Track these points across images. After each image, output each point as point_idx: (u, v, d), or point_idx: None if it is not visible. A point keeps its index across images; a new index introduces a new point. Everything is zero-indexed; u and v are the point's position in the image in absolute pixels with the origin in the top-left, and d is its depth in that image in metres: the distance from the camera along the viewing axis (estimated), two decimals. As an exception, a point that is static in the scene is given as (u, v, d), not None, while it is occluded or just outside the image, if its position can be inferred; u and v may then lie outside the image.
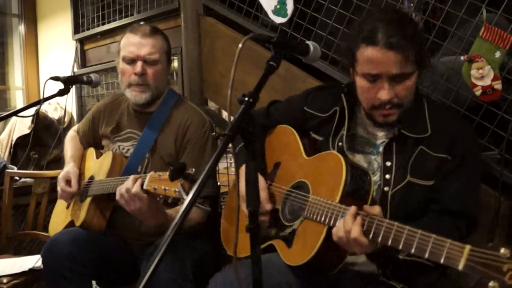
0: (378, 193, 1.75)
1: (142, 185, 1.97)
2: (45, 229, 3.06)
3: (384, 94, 1.69)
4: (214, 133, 1.29)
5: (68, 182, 2.50)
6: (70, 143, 2.77)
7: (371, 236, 1.47)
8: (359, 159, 1.85)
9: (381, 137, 1.84)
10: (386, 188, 1.74)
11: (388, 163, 1.75)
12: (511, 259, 1.08)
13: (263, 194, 1.88)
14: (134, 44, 2.40)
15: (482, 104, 2.09)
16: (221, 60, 3.08)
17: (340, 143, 1.86)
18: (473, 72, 2.08)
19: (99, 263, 2.28)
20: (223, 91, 3.04)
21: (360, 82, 1.75)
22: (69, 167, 2.56)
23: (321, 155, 1.83)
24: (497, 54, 2.04)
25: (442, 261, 1.26)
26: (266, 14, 2.77)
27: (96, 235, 2.35)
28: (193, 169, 1.82)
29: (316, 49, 1.60)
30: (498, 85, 2.04)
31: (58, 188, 2.52)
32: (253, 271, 1.39)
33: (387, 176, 1.75)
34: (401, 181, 1.73)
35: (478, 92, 2.07)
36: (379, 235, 1.45)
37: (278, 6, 2.71)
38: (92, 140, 2.72)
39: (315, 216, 1.67)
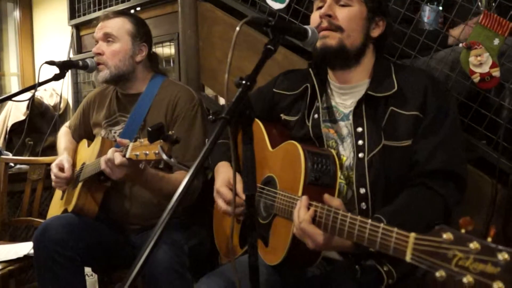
0: (354, 161, 1.70)
1: (124, 155, 1.97)
2: (40, 215, 3.06)
3: (323, 8, 1.74)
4: (210, 116, 1.27)
5: (61, 169, 2.51)
6: (63, 138, 2.80)
7: (328, 229, 1.41)
8: (330, 129, 1.82)
9: (350, 104, 1.79)
10: (360, 155, 1.69)
11: (360, 129, 1.71)
12: (455, 243, 0.98)
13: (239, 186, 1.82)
14: (96, 29, 2.50)
15: (479, 91, 2.09)
16: (218, 46, 3.06)
17: (316, 115, 1.83)
18: (472, 59, 2.07)
19: (92, 249, 2.28)
20: (220, 77, 3.02)
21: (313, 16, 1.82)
22: (63, 156, 2.58)
23: (282, 146, 1.80)
24: (496, 41, 2.03)
25: (391, 252, 1.19)
26: (263, -1, 2.75)
27: (89, 221, 2.35)
28: (173, 131, 1.83)
29: (314, 33, 1.59)
30: (496, 72, 2.04)
31: (52, 176, 2.52)
32: (249, 256, 1.38)
33: (360, 142, 1.70)
34: (376, 146, 1.67)
35: (476, 79, 2.07)
36: (335, 228, 1.39)
37: (276, -8, 2.69)
38: (83, 132, 2.74)
39: (282, 213, 1.65)
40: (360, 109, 1.73)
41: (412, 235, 1.12)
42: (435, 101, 1.67)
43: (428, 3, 2.34)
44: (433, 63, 2.22)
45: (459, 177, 1.64)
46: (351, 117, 1.75)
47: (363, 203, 1.67)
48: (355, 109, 1.73)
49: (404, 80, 1.73)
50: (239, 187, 1.77)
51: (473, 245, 0.95)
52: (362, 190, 1.67)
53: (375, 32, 1.79)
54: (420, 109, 1.66)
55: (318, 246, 1.47)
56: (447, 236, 1.00)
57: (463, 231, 0.99)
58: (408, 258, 1.11)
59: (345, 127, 1.78)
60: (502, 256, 0.91)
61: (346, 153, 1.75)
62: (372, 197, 1.66)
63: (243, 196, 1.45)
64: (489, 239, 0.94)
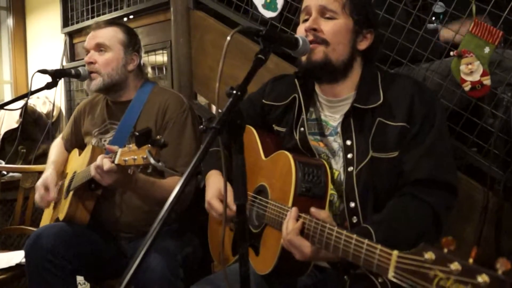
0: (345, 174, 1.70)
1: (113, 161, 1.98)
2: (33, 223, 3.05)
3: (308, 21, 1.73)
4: (201, 126, 1.27)
5: (46, 189, 2.52)
6: (54, 149, 2.81)
7: (316, 242, 1.42)
8: (320, 142, 1.81)
9: (339, 118, 1.78)
10: (350, 168, 1.68)
11: (349, 142, 1.70)
12: (436, 263, 0.98)
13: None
14: (87, 38, 2.51)
15: (471, 100, 2.10)
16: (210, 54, 3.07)
17: (302, 128, 1.82)
18: (463, 67, 2.08)
19: (84, 257, 2.28)
20: (212, 85, 3.02)
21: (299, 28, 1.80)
22: (47, 174, 2.59)
23: (274, 156, 1.80)
24: (486, 50, 2.05)
25: (374, 269, 1.20)
26: (256, 8, 2.76)
27: (81, 230, 2.35)
28: (161, 136, 1.85)
29: (305, 43, 1.60)
30: (487, 81, 2.05)
31: (36, 196, 2.54)
32: (240, 266, 1.38)
33: (349, 155, 1.69)
34: (364, 158, 1.66)
35: (467, 87, 2.08)
36: (322, 241, 1.40)
37: (268, 0, 2.70)
38: (75, 142, 2.75)
39: (272, 223, 1.65)
40: (348, 122, 1.72)
41: (395, 253, 1.12)
42: (421, 110, 1.65)
43: (433, 18, 2.35)
44: (428, 73, 2.23)
45: (447, 183, 1.63)
46: (339, 129, 1.74)
47: (354, 217, 1.65)
48: (343, 122, 1.72)
49: (391, 90, 1.71)
50: (231, 198, 1.72)
51: (454, 266, 0.95)
52: (352, 204, 1.66)
53: (363, 45, 1.77)
54: (407, 120, 1.65)
55: (306, 257, 1.48)
56: (428, 255, 1.00)
57: (445, 250, 0.98)
58: (390, 275, 1.11)
59: (334, 141, 1.77)
60: (482, 278, 0.91)
61: (338, 167, 1.74)
62: (362, 210, 1.65)
63: (234, 208, 1.42)
64: (471, 260, 0.94)
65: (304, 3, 1.80)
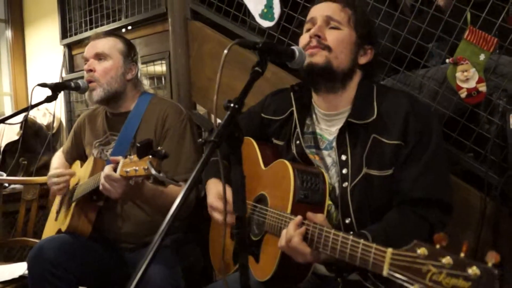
0: (339, 190, 1.71)
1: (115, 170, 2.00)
2: (35, 235, 3.06)
3: (313, 29, 1.76)
4: (200, 140, 1.29)
5: (59, 175, 2.57)
6: (56, 159, 2.85)
7: (314, 245, 1.45)
8: (316, 155, 1.82)
9: (334, 131, 1.79)
10: (345, 184, 1.69)
11: (344, 157, 1.71)
12: (429, 258, 1.01)
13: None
14: (87, 48, 2.54)
15: (467, 106, 2.12)
16: (208, 64, 3.09)
17: (298, 142, 1.84)
18: (458, 74, 2.10)
19: (86, 269, 2.29)
20: (211, 95, 3.04)
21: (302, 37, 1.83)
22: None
23: (273, 165, 1.83)
24: (482, 57, 2.06)
25: (370, 267, 1.23)
26: (253, 18, 2.78)
27: (83, 241, 2.36)
28: (161, 147, 1.87)
29: (301, 54, 1.61)
30: (482, 87, 2.07)
31: (53, 180, 2.56)
32: (241, 276, 1.40)
33: (344, 170, 1.70)
34: (358, 174, 1.68)
35: (463, 94, 2.10)
36: (320, 243, 1.43)
37: (265, 10, 2.72)
38: (76, 154, 2.77)
39: (272, 230, 1.67)
40: (343, 136, 1.73)
41: (389, 250, 1.15)
42: (416, 127, 1.66)
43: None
44: (424, 80, 2.25)
45: (443, 202, 1.65)
46: (334, 144, 1.75)
47: (350, 232, 1.65)
48: (338, 137, 1.74)
49: (385, 105, 1.73)
50: (230, 195, 1.69)
51: (446, 260, 0.99)
52: (347, 220, 1.68)
53: (363, 59, 1.80)
54: (401, 138, 1.66)
55: (307, 261, 1.51)
56: (421, 251, 1.03)
57: (437, 246, 1.01)
58: (385, 272, 1.14)
59: (328, 156, 1.79)
60: (473, 270, 0.94)
61: (332, 181, 1.76)
62: (358, 226, 1.66)
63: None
64: (462, 255, 0.97)
65: (310, 14, 1.83)
